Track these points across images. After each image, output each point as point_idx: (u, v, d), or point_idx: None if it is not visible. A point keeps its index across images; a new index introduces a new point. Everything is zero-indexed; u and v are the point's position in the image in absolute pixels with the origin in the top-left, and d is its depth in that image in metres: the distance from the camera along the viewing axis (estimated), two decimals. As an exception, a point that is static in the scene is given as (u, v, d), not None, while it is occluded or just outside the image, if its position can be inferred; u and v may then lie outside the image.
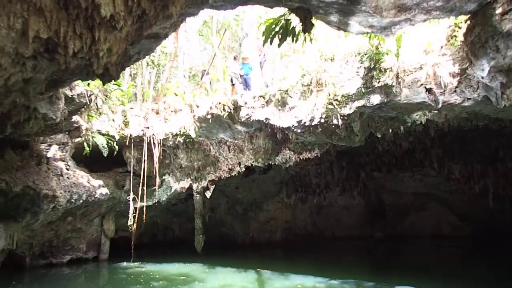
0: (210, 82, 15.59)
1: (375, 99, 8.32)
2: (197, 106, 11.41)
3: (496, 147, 13.52)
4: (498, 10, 5.04)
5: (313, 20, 5.66)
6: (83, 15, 3.95)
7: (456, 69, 7.12)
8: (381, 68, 8.08)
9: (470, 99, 7.49)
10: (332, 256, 15.26)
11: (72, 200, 11.16)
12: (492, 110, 8.40)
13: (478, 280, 10.26)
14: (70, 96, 8.11)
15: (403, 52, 7.86)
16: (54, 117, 7.36)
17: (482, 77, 6.39)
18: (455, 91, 7.45)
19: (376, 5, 4.96)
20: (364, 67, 8.27)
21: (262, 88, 11.56)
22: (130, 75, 18.25)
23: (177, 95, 13.08)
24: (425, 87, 7.71)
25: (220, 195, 17.61)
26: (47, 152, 10.62)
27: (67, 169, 11.30)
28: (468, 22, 5.86)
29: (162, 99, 13.40)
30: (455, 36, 7.03)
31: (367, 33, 6.06)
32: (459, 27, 6.79)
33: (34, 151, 10.16)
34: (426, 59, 7.58)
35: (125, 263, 13.16)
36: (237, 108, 10.49)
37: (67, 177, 11.08)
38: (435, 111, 8.66)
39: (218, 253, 15.41)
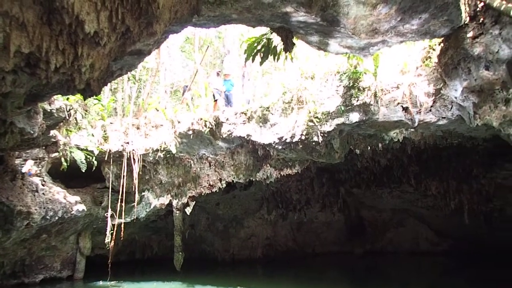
0: (192, 98, 15.61)
1: (354, 117, 8.53)
2: (179, 122, 11.38)
3: (470, 164, 13.93)
4: (469, 34, 5.32)
5: (294, 40, 5.82)
6: (66, 31, 3.93)
7: (431, 89, 7.40)
8: (360, 87, 8.31)
9: (444, 118, 7.77)
10: (313, 273, 15.25)
11: (47, 217, 10.82)
12: (466, 128, 8.73)
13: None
14: (49, 110, 7.97)
15: (380, 72, 8.13)
16: (32, 132, 7.20)
17: (456, 97, 6.67)
18: (430, 110, 7.74)
19: (354, 27, 5.16)
20: (344, 86, 8.49)
21: (243, 104, 11.66)
22: (111, 89, 18.06)
23: (158, 110, 13.01)
24: (402, 106, 7.98)
25: (200, 211, 17.42)
26: (22, 167, 10.32)
27: (43, 185, 10.97)
28: (442, 44, 6.16)
29: (143, 114, 13.30)
30: (430, 57, 7.34)
31: (346, 53, 6.27)
32: (433, 49, 7.10)
33: (9, 166, 9.84)
34: (403, 79, 7.86)
35: (101, 282, 12.76)
36: (218, 124, 10.54)
37: (43, 193, 10.76)
38: (412, 129, 8.92)
39: (198, 270, 15.16)
